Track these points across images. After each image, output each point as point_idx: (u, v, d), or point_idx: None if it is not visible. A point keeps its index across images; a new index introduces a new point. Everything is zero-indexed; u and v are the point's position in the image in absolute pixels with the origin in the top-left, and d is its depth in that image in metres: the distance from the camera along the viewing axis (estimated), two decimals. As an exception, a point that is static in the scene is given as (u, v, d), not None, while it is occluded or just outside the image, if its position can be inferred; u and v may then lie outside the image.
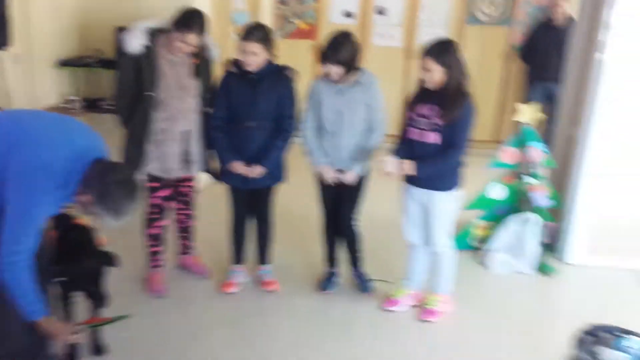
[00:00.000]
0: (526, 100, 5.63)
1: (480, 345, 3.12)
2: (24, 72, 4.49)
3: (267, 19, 6.75)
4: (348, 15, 6.89)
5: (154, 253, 3.54)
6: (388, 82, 5.51)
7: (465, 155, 3.08)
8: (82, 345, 2.78)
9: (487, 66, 6.58)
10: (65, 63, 4.79)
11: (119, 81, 3.27)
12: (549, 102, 5.52)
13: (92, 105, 4.76)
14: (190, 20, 3.10)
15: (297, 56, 5.56)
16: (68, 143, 2.31)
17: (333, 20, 6.89)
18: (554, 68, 5.72)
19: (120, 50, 3.21)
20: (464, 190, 3.20)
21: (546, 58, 5.91)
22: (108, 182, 2.25)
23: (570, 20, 5.79)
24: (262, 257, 3.64)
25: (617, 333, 2.95)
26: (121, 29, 4.72)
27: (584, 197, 3.90)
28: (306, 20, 6.98)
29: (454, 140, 2.98)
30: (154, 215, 3.44)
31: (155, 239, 3.50)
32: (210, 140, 3.35)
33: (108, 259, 2.71)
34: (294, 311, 3.40)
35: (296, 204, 4.55)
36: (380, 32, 6.77)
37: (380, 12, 6.83)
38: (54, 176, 2.23)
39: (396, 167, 3.03)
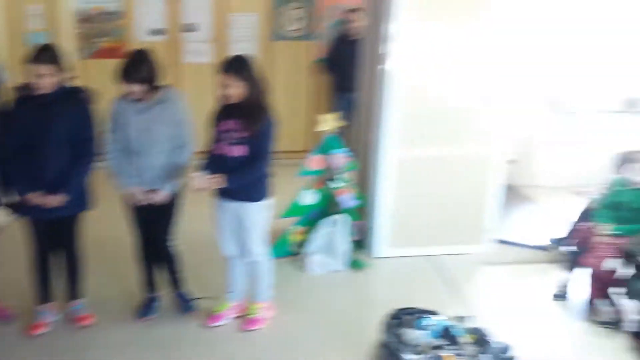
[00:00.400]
0: (333, 110, 6.04)
1: (304, 343, 3.33)
2: None
3: (68, 38, 6.41)
4: (157, 32, 6.80)
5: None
6: (201, 99, 5.54)
7: (271, 166, 3.25)
8: None
9: (296, 79, 6.92)
10: None
11: None
12: (351, 110, 5.97)
13: None
14: None
15: (105, 76, 5.35)
16: None
17: (141, 38, 6.76)
18: (351, 79, 6.23)
19: None
20: (279, 199, 3.38)
21: (346, 70, 6.28)
22: None
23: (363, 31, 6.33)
24: (73, 291, 3.47)
25: (418, 314, 3.35)
26: None
27: (383, 196, 4.31)
28: (113, 38, 6.75)
29: (259, 151, 3.14)
30: None
31: None
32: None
33: None
34: (112, 343, 3.30)
35: (108, 231, 4.36)
36: (191, 49, 6.77)
37: (190, 28, 6.84)
38: None
39: (205, 182, 3.10)
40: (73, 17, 6.55)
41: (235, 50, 6.69)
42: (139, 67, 3.09)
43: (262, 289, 3.47)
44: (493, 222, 4.43)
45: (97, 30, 6.70)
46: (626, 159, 4.04)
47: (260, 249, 3.35)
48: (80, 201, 3.25)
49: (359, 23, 6.29)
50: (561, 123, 6.14)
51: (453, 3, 4.06)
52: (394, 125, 4.19)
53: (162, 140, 3.24)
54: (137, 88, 3.10)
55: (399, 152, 4.24)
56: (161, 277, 3.58)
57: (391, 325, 3.29)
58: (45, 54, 3.02)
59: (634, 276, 3.53)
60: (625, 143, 5.91)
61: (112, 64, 5.75)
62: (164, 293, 3.63)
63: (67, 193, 3.11)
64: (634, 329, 3.49)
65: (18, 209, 3.19)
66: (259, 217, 3.29)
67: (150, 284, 3.57)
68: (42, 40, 5.82)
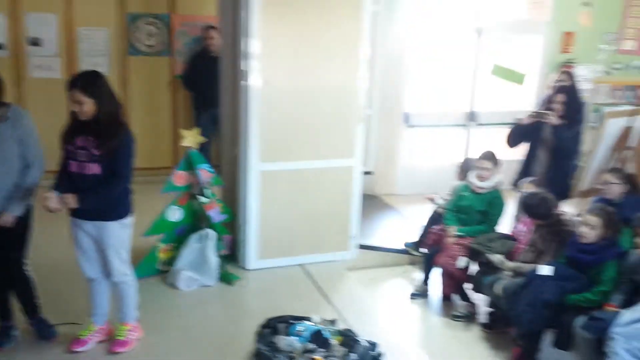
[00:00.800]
0: (196, 125, 5.99)
1: (175, 361, 3.23)
2: None
3: None
4: (-3, 47, 6.28)
5: None
6: (50, 115, 5.26)
7: (130, 183, 3.15)
8: None
9: (156, 96, 6.77)
10: None
11: None
12: (215, 125, 5.97)
13: None
14: None
15: None
16: None
17: (-20, 53, 6.20)
18: (215, 95, 6.24)
19: None
20: (144, 216, 3.29)
21: (206, 86, 6.33)
22: None
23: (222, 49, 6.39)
24: None
25: (290, 321, 3.43)
26: None
27: (250, 209, 4.36)
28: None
29: (116, 169, 3.03)
30: None
31: None
32: None
33: None
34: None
35: None
36: (38, 64, 6.36)
37: (35, 42, 6.42)
38: None
39: (58, 202, 2.95)
40: None
41: (87, 65, 6.44)
42: None
43: (128, 310, 3.34)
44: (356, 230, 4.67)
45: None
46: (466, 167, 4.51)
47: (123, 269, 3.23)
48: None
49: (216, 40, 6.37)
50: (413, 136, 6.66)
51: (310, 22, 4.23)
52: (257, 139, 4.28)
53: (9, 159, 3.04)
54: None
55: (263, 166, 4.32)
56: (17, 304, 3.32)
57: (264, 334, 3.35)
58: None
59: (479, 272, 3.92)
60: (466, 153, 6.60)
61: None
62: (21, 321, 3.36)
63: None
64: (484, 321, 3.87)
65: None
66: (119, 236, 3.16)
67: (3, 312, 3.28)
68: None
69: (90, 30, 6.55)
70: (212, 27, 6.46)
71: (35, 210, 3.20)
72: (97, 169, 3.00)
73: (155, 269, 4.23)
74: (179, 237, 4.31)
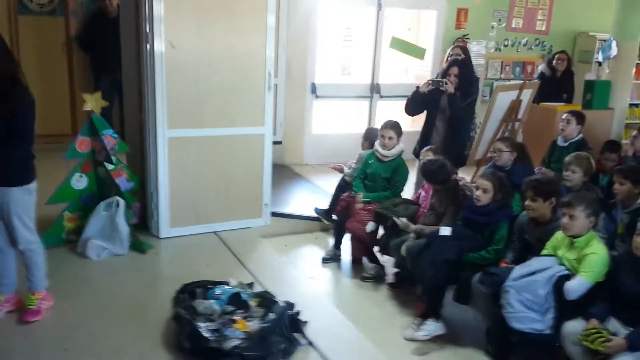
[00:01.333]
0: (95, 90, 5.72)
1: (91, 328, 3.18)
2: None
3: None
4: None
5: None
6: None
7: (32, 147, 3.01)
8: None
9: (50, 58, 6.38)
10: None
11: None
12: (116, 90, 5.74)
13: None
14: None
15: None
16: None
17: None
18: (114, 58, 5.97)
19: None
20: (44, 184, 3.15)
21: (105, 49, 6.04)
22: None
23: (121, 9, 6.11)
24: None
25: (208, 286, 3.46)
26: None
27: (160, 176, 4.28)
28: None
29: (16, 131, 2.87)
30: None
31: None
32: None
33: None
34: None
35: None
36: None
37: None
38: None
39: None
40: None
41: (-30, 24, 5.94)
42: None
43: (36, 279, 3.21)
44: (268, 198, 4.74)
45: None
46: (371, 136, 4.71)
47: (29, 236, 3.10)
48: None
49: (115, 1, 6.08)
50: (319, 107, 6.81)
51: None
52: (164, 105, 4.18)
53: None
54: None
55: (171, 133, 4.25)
56: None
57: (182, 299, 3.36)
58: None
59: (385, 235, 4.15)
60: (370, 123, 6.87)
61: None
62: None
63: None
64: (391, 280, 4.12)
65: None
66: (23, 202, 3.02)
67: None
68: None
69: (-25, -15, 6.02)
70: (109, -14, 6.17)
71: None
72: None
73: (62, 238, 4.08)
74: (85, 205, 4.17)
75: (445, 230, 3.59)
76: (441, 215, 3.86)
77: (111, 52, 6.02)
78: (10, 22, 6.15)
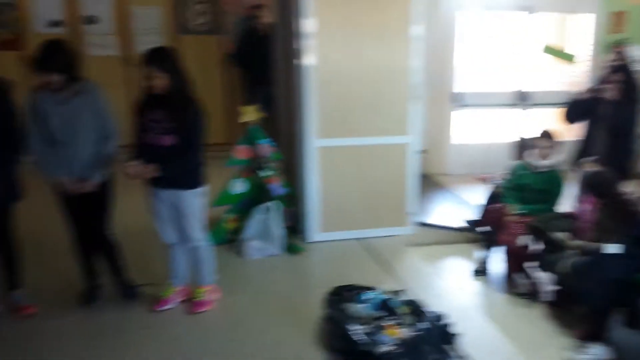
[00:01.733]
0: (249, 102, 6.09)
1: (251, 322, 3.40)
2: None
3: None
4: (55, 24, 6.47)
5: None
6: (110, 91, 5.39)
7: (203, 155, 3.29)
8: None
9: (208, 73, 6.89)
10: None
11: None
12: (269, 102, 6.06)
13: None
14: None
15: (2, 68, 5.06)
16: None
17: (39, 29, 6.40)
18: (265, 72, 6.34)
19: None
20: (209, 188, 3.40)
21: (257, 64, 6.43)
22: None
23: (272, 27, 6.46)
24: (11, 282, 3.34)
25: (357, 290, 3.52)
26: None
27: (310, 183, 4.47)
28: (9, 30, 6.33)
29: (189, 141, 3.16)
30: None
31: None
32: None
33: None
34: (59, 331, 3.23)
35: (42, 223, 4.36)
36: (94, 42, 6.52)
37: (91, 21, 6.58)
38: None
39: (140, 170, 3.10)
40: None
41: (142, 43, 6.60)
42: (53, 57, 3.02)
43: (205, 273, 3.49)
44: (414, 206, 4.74)
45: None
46: (524, 146, 4.52)
47: (199, 235, 3.38)
48: (10, 192, 3.15)
49: (266, 19, 6.45)
50: (463, 116, 6.67)
51: (362, 1, 4.30)
52: (314, 117, 4.38)
53: (87, 130, 3.19)
54: (55, 78, 3.03)
55: (320, 142, 4.43)
56: (102, 266, 3.51)
57: (333, 300, 3.45)
58: None
59: (543, 250, 3.95)
60: (520, 132, 6.59)
61: (10, 56, 5.54)
62: (106, 282, 3.56)
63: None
64: (549, 298, 3.90)
65: None
66: (195, 203, 3.32)
67: (90, 273, 3.48)
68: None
69: (143, 8, 6.69)
70: (259, 6, 6.53)
71: (116, 179, 3.36)
72: (171, 141, 3.13)
73: (223, 238, 4.41)
74: (243, 208, 4.46)
75: (614, 248, 3.35)
76: (607, 231, 3.60)
77: (262, 68, 6.43)
78: (173, 40, 6.75)
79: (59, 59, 3.00)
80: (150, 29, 6.76)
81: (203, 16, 6.86)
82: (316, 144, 4.42)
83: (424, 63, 6.11)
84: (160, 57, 3.04)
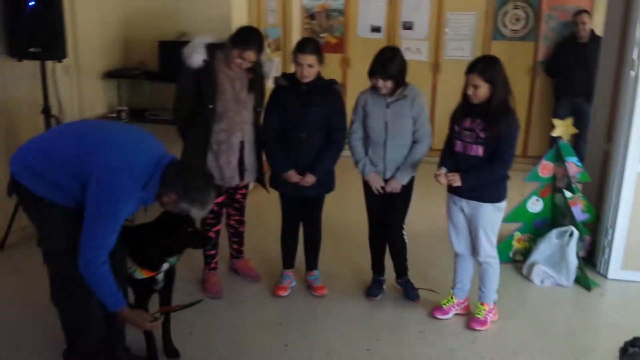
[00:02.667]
0: (554, 115, 5.75)
1: (526, 353, 3.20)
2: (73, 83, 4.66)
3: (297, 33, 6.92)
4: (375, 29, 7.03)
5: (209, 256, 3.72)
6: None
7: (510, 169, 3.18)
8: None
9: (514, 81, 6.59)
10: (111, 75, 4.94)
11: (179, 94, 3.43)
12: (575, 116, 5.61)
13: (137, 115, 4.90)
14: (250, 38, 3.26)
15: (326, 69, 5.71)
16: (144, 149, 2.51)
17: (360, 34, 7.05)
18: (580, 83, 5.88)
19: (181, 64, 3.33)
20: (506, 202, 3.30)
21: (572, 74, 6.06)
22: (187, 177, 2.43)
23: (594, 36, 5.94)
24: (311, 262, 3.75)
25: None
26: (164, 43, 4.93)
27: (619, 213, 3.97)
28: (334, 34, 7.14)
29: (499, 153, 3.10)
30: (210, 220, 3.58)
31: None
32: (264, 150, 3.49)
33: (200, 238, 2.85)
34: (343, 315, 3.51)
35: (341, 213, 4.73)
36: (408, 47, 6.87)
37: (407, 26, 6.96)
38: (133, 178, 2.39)
39: (444, 178, 3.16)
40: (301, 13, 7.06)
41: (451, 49, 6.74)
42: (389, 64, 3.21)
43: (488, 291, 3.39)
44: None
45: (322, 26, 7.14)
46: None
47: (490, 250, 3.30)
48: (327, 183, 3.52)
49: (588, 25, 5.98)
50: None
51: None
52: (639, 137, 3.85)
53: (404, 133, 3.37)
54: (385, 83, 3.24)
55: (641, 167, 3.89)
56: (389, 262, 3.70)
57: (633, 353, 3.03)
58: (312, 45, 3.29)
59: None
60: None
61: (333, 59, 6.20)
62: (390, 278, 3.74)
63: (318, 175, 3.39)
64: None
65: (274, 184, 3.54)
66: (491, 218, 3.24)
67: (378, 266, 3.71)
68: (277, 34, 6.42)
69: (458, 14, 6.79)
70: (585, 12, 6.09)
71: (415, 182, 3.50)
72: (481, 151, 3.11)
73: (508, 256, 4.23)
74: (536, 229, 4.21)
75: None
76: None
77: (575, 77, 5.98)
78: (484, 46, 6.70)
79: (392, 67, 3.21)
80: (462, 35, 6.83)
81: (520, 22, 6.67)
82: (636, 168, 3.89)
83: None
84: (485, 66, 3.04)
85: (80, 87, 4.72)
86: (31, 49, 3.86)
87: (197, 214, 2.50)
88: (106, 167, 2.37)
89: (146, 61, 5.06)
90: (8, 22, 3.84)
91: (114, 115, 4.78)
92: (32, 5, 3.80)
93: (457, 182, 3.12)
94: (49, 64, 4.14)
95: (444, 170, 3.19)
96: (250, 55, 3.26)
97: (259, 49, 3.30)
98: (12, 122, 4.16)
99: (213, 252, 3.71)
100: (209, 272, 3.74)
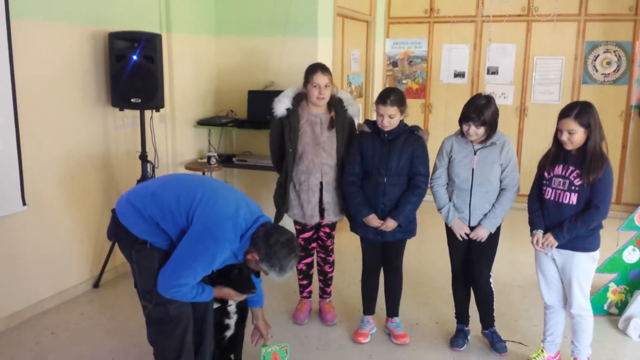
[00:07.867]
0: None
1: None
2: (168, 131, 4.96)
3: (379, 80, 7.05)
4: (459, 75, 7.03)
5: (301, 285, 3.95)
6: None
7: (606, 218, 3.03)
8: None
9: (606, 126, 6.35)
10: (202, 122, 5.21)
11: (270, 139, 3.71)
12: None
13: (225, 160, 5.12)
14: (313, 65, 3.58)
15: (410, 115, 5.75)
16: (245, 206, 2.63)
17: (443, 80, 7.07)
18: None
19: (271, 114, 3.63)
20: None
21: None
22: (272, 243, 2.53)
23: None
24: (393, 309, 3.70)
25: None
26: (252, 92, 5.17)
27: None
28: (416, 80, 7.20)
29: (595, 202, 2.96)
30: (299, 253, 3.63)
31: (301, 273, 3.91)
32: (344, 194, 3.55)
33: (242, 283, 2.84)
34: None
35: (423, 259, 4.68)
36: (492, 91, 6.79)
37: (492, 71, 6.91)
38: (236, 230, 2.52)
39: (541, 243, 3.08)
40: (384, 61, 7.19)
41: (538, 92, 6.61)
42: (483, 111, 3.18)
43: (582, 346, 3.18)
44: None
45: (403, 72, 7.24)
46: None
47: (583, 303, 3.11)
48: (408, 228, 3.49)
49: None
50: None
51: None
52: None
53: (491, 180, 3.31)
54: (477, 130, 3.21)
55: None
56: (473, 312, 3.59)
57: None
58: (393, 97, 3.33)
59: None
60: None
61: (415, 104, 6.21)
62: (476, 328, 3.62)
63: (399, 220, 3.38)
64: None
65: (354, 228, 3.57)
66: (585, 268, 3.08)
67: (462, 315, 3.60)
68: (360, 81, 6.56)
69: (545, 59, 6.68)
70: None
71: (502, 229, 3.40)
72: (575, 200, 2.99)
73: (602, 308, 3.98)
74: (632, 280, 3.95)
75: None
76: None
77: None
78: (573, 90, 6.53)
79: (486, 114, 3.18)
80: (549, 79, 6.69)
81: (611, 65, 6.45)
82: None
83: None
84: (580, 112, 2.94)
85: (174, 135, 5.01)
86: (132, 100, 4.18)
87: (275, 278, 2.59)
88: (215, 217, 2.50)
89: (235, 109, 5.32)
90: (114, 75, 4.17)
91: (204, 160, 5.01)
92: (136, 60, 4.12)
93: (554, 244, 3.03)
94: (147, 113, 4.44)
95: (539, 234, 3.10)
96: (318, 78, 3.47)
97: (324, 70, 3.50)
98: (112, 166, 4.46)
99: (304, 282, 3.93)
100: (300, 300, 3.96)
